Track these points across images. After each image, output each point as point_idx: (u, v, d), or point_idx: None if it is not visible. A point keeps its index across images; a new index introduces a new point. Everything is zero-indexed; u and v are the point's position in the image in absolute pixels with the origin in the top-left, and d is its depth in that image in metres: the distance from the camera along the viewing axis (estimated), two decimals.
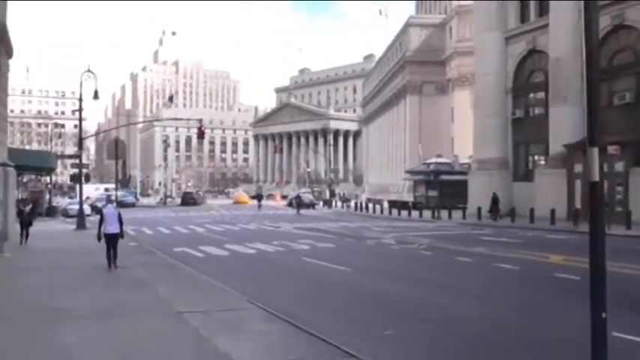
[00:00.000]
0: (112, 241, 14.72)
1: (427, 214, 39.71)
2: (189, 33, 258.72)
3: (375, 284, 12.92)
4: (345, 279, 13.84)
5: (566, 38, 33.80)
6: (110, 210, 15.15)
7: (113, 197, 30.50)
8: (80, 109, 29.25)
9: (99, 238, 14.91)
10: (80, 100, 29.74)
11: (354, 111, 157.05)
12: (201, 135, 35.58)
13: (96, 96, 29.93)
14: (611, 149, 26.65)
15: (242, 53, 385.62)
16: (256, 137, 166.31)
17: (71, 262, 16.57)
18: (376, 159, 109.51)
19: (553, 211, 30.15)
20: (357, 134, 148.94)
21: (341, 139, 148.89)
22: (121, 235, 15.07)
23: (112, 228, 14.70)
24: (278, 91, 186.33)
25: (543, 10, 37.00)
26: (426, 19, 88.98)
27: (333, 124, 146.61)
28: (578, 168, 32.43)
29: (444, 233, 26.77)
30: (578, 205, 31.81)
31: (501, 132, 39.52)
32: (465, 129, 77.85)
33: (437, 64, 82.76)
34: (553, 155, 34.30)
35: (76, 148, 61.81)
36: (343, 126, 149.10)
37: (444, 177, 52.82)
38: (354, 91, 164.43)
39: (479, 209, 35.54)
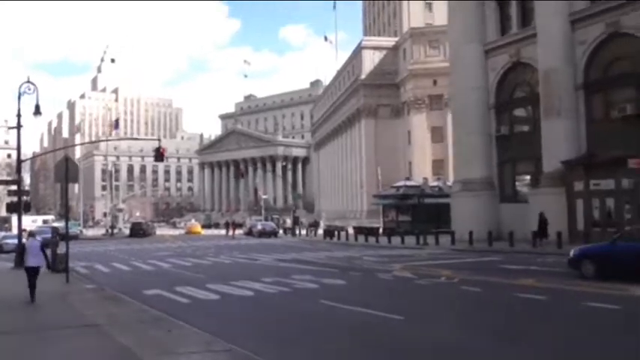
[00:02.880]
0: (33, 273, 14.69)
1: (408, 240, 36.46)
2: (129, 61, 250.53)
3: (460, 342, 9.36)
4: (410, 334, 10.20)
5: (555, 48, 31.63)
6: (32, 242, 15.26)
7: (60, 228, 26.07)
8: (19, 126, 24.71)
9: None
10: (19, 115, 25.15)
11: (302, 137, 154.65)
12: (160, 157, 31.34)
13: (37, 111, 25.44)
14: (632, 162, 24.19)
15: (184, 81, 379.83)
16: (202, 165, 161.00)
17: (16, 320, 12.20)
18: (329, 185, 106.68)
19: (559, 234, 27.40)
20: (305, 160, 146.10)
21: (290, 166, 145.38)
22: (49, 267, 16.04)
23: (34, 261, 14.78)
24: (223, 117, 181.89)
25: (526, 20, 34.95)
26: (379, 41, 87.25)
27: (282, 151, 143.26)
28: (578, 186, 29.98)
29: (452, 262, 23.47)
30: (580, 226, 29.34)
31: (485, 150, 36.93)
32: (424, 152, 76.23)
33: (391, 87, 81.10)
34: (548, 173, 31.76)
35: (8, 179, 55.98)
36: (292, 152, 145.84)
37: (414, 201, 50.16)
38: (302, 117, 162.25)
39: (470, 234, 32.53)
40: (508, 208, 35.89)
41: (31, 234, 16.85)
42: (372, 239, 41.25)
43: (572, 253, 18.09)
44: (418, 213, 48.25)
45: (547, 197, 31.25)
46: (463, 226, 35.10)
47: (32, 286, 14.57)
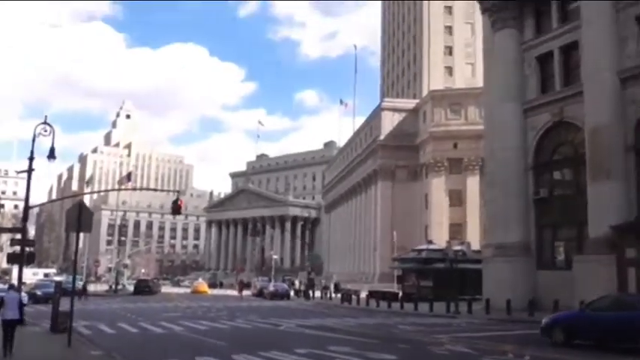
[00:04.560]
0: (10, 327, 14.49)
1: (429, 306, 33.72)
2: (144, 117, 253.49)
3: None
4: None
5: (604, 106, 29.63)
6: (11, 295, 15.11)
7: (63, 283, 23.60)
8: (30, 170, 22.59)
9: None
10: (31, 158, 23.08)
11: (313, 198, 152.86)
12: (177, 209, 29.08)
13: (52, 154, 23.39)
14: None
15: (197, 140, 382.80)
16: (209, 223, 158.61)
17: None
18: (340, 247, 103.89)
19: None
20: (315, 222, 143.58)
21: (299, 227, 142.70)
22: (20, 321, 15.00)
23: (12, 314, 14.57)
24: (234, 176, 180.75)
25: (569, 78, 33.19)
26: (399, 103, 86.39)
27: (292, 211, 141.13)
28: (630, 253, 27.36)
29: (500, 334, 20.78)
30: None
31: (522, 214, 34.43)
32: (441, 216, 73.76)
33: (410, 149, 79.62)
34: (595, 239, 29.11)
35: (12, 227, 53.67)
36: (302, 213, 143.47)
37: (437, 265, 47.63)
38: (314, 178, 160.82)
39: (508, 302, 29.77)
40: (546, 275, 33.14)
41: (11, 286, 16.74)
42: (394, 305, 38.43)
43: (544, 321, 18.99)
44: (441, 278, 45.63)
45: (594, 265, 28.57)
46: (496, 293, 32.52)
47: (10, 339, 14.35)
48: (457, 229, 72.53)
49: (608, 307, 17.47)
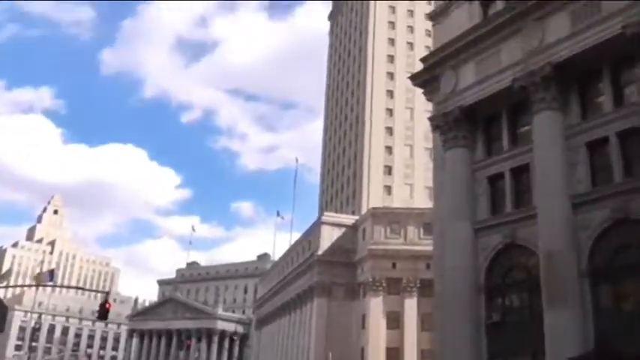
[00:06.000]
0: None
1: None
2: (71, 215, 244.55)
3: None
4: None
5: (558, 231, 29.06)
6: None
7: None
8: None
9: None
10: None
11: (243, 312, 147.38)
12: (104, 313, 25.73)
13: None
14: None
15: (126, 244, 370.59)
16: (131, 332, 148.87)
17: None
18: None
19: None
20: (244, 338, 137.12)
21: (227, 343, 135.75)
22: None
23: None
24: (162, 283, 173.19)
25: (522, 200, 32.83)
26: (339, 218, 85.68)
27: (220, 325, 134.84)
28: None
29: None
30: None
31: (473, 340, 32.42)
32: (378, 338, 71.10)
33: (348, 266, 78.27)
34: None
35: None
36: (231, 328, 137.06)
37: None
38: (245, 290, 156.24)
39: None
40: None
41: None
42: None
43: None
44: None
45: None
46: None
47: None
48: (394, 354, 70.17)
49: None
